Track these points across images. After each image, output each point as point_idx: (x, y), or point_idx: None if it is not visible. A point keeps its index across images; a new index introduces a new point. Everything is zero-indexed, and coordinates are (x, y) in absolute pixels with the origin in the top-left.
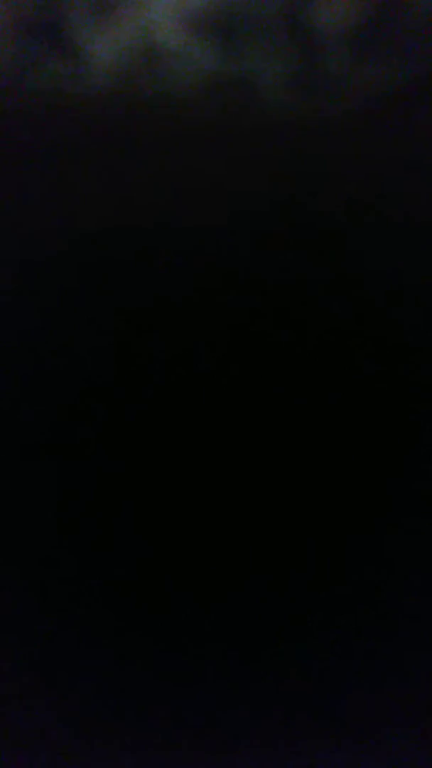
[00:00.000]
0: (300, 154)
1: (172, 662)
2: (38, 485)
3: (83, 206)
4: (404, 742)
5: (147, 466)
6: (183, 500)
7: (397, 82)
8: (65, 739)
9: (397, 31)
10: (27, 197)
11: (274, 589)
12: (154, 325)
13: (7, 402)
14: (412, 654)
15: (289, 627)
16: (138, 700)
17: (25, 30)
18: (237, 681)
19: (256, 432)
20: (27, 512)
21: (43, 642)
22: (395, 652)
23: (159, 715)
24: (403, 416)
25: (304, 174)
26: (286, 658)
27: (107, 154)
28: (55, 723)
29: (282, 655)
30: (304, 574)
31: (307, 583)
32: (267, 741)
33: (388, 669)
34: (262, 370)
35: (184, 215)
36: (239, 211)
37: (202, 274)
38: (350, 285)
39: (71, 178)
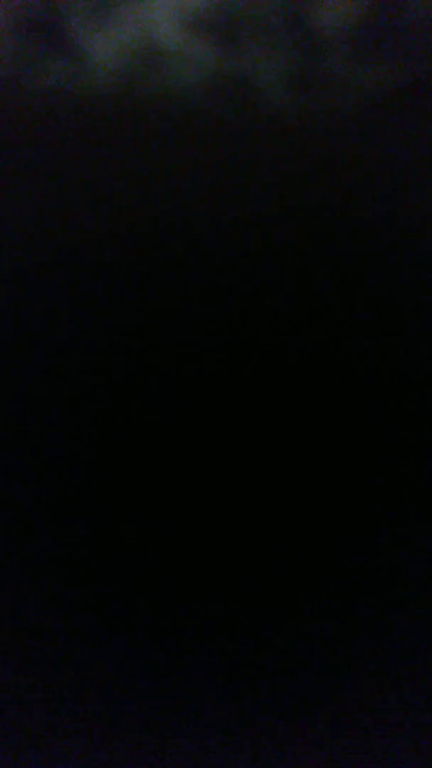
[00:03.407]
0: (300, 153)
1: (173, 663)
2: (37, 485)
3: (84, 204)
4: (404, 744)
5: (147, 467)
6: (184, 500)
7: (397, 82)
8: (65, 739)
9: (397, 31)
10: (27, 196)
11: (274, 589)
12: (154, 322)
13: (7, 401)
14: (412, 655)
15: (289, 627)
16: (138, 700)
17: (25, 30)
18: (237, 682)
19: (255, 430)
20: (27, 512)
21: (43, 646)
22: (395, 653)
23: (159, 715)
24: (403, 415)
25: (303, 172)
26: (286, 659)
27: (107, 153)
28: (55, 723)
29: (282, 656)
30: (304, 574)
31: (307, 584)
32: (267, 742)
33: (389, 669)
34: (262, 368)
35: (185, 213)
36: (239, 209)
37: (203, 272)
38: (350, 283)
39: (72, 177)
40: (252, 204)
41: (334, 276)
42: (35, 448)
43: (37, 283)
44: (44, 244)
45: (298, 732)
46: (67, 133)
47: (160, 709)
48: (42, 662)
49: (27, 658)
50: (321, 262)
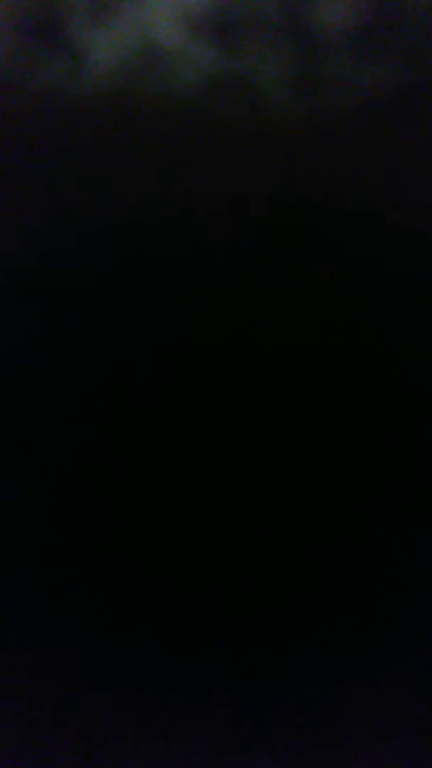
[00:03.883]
0: (299, 153)
1: (174, 663)
2: (38, 484)
3: (83, 204)
4: (404, 744)
5: (147, 467)
6: (184, 500)
7: (397, 82)
8: (65, 739)
9: (397, 31)
10: (28, 195)
11: (274, 590)
12: (152, 321)
13: (7, 400)
14: (413, 656)
15: (290, 627)
16: (138, 703)
17: (25, 30)
18: (237, 683)
19: (254, 428)
20: (28, 512)
21: (43, 648)
22: (396, 654)
23: (160, 717)
24: (402, 417)
25: (303, 173)
26: (287, 659)
27: (107, 153)
28: (55, 722)
29: (282, 656)
30: (305, 574)
31: (307, 585)
32: (268, 742)
33: (390, 670)
34: (261, 366)
35: (184, 213)
36: (239, 209)
37: (202, 270)
38: (349, 283)
39: (71, 177)
40: (252, 203)
41: (335, 275)
42: (34, 445)
43: (36, 282)
44: (44, 243)
45: (298, 732)
46: (67, 132)
47: (160, 709)
48: (42, 663)
49: (27, 659)
50: (321, 261)
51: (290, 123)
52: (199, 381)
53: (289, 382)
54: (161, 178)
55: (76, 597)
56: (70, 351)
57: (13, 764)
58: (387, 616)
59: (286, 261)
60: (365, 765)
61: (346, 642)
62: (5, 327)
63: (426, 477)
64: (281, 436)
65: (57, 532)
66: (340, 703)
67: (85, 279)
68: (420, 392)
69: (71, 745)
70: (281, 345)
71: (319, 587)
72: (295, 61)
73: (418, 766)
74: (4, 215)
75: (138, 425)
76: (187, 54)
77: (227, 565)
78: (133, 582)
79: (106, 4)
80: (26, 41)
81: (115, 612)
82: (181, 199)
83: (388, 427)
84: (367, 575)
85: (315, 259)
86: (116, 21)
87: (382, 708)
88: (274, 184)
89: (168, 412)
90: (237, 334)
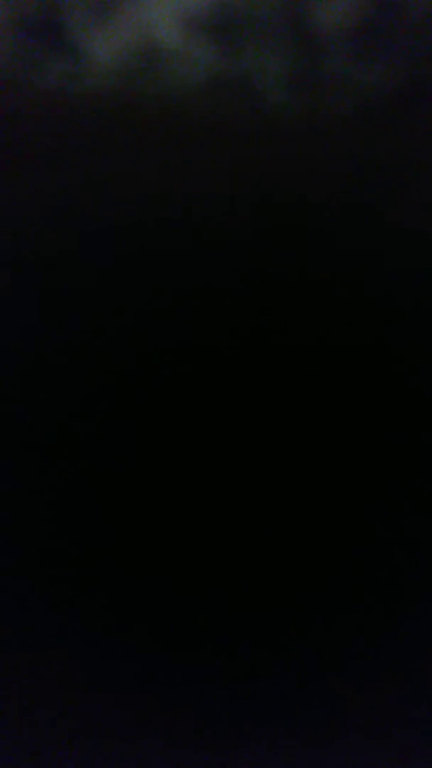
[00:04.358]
0: (299, 154)
1: (174, 663)
2: (38, 484)
3: (83, 204)
4: (404, 742)
5: (147, 467)
6: (184, 501)
7: (397, 82)
8: (65, 738)
9: (397, 31)
10: (28, 195)
11: (274, 589)
12: (152, 322)
13: (8, 400)
14: (413, 654)
15: (290, 627)
16: (138, 701)
17: (25, 30)
18: (238, 681)
19: (254, 428)
20: (28, 511)
21: (43, 646)
22: (396, 652)
23: (160, 716)
24: (403, 417)
25: (303, 173)
26: (287, 657)
27: (107, 153)
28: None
29: (283, 654)
30: (305, 573)
31: (307, 583)
32: (268, 740)
33: (389, 669)
34: (261, 366)
35: (184, 213)
36: (238, 209)
37: (201, 272)
38: (349, 284)
39: (71, 177)
40: (251, 204)
41: (334, 276)
42: (34, 445)
43: (36, 282)
44: (44, 243)
45: (298, 732)
46: (68, 133)
47: (160, 709)
48: (41, 662)
49: (26, 659)
50: (321, 262)
51: (290, 123)
52: (199, 381)
53: (288, 381)
54: (161, 178)
55: (76, 596)
56: (70, 351)
57: (13, 764)
58: (387, 615)
59: (286, 261)
60: (365, 765)
61: (347, 642)
62: (5, 327)
63: (426, 477)
64: (281, 435)
65: (57, 531)
66: (340, 703)
67: (85, 279)
68: (420, 392)
69: (71, 745)
70: (281, 345)
71: (319, 587)
72: (295, 61)
73: (418, 766)
74: (4, 215)
75: (138, 425)
76: (187, 54)
77: (227, 564)
78: (133, 581)
79: (106, 4)
80: (26, 41)
81: (115, 611)
82: (182, 199)
83: (387, 428)
84: (367, 575)
85: (315, 259)
86: (116, 21)
87: (383, 708)
88: (275, 183)
89: (168, 412)
90: (237, 334)
